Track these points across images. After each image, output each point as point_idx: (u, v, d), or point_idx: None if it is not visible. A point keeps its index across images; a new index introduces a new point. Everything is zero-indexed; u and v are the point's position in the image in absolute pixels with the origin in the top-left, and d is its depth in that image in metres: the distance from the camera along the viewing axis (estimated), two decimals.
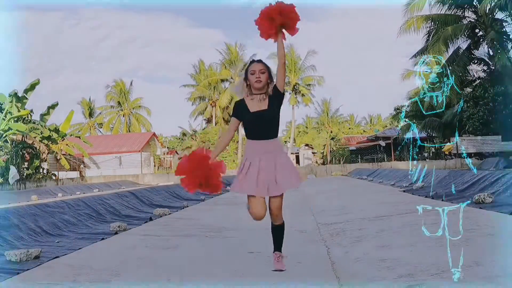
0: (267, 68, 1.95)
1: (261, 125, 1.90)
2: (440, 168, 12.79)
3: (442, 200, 4.61)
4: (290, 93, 25.45)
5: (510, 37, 12.48)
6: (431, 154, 21.55)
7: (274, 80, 1.95)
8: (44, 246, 2.79)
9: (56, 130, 16.94)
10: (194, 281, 1.89)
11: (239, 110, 1.96)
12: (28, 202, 6.81)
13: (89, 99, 29.74)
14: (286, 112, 26.60)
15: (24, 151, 14.64)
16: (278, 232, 1.99)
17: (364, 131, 33.80)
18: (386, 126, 30.90)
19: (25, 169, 14.89)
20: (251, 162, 1.90)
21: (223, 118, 25.48)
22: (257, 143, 1.91)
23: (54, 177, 16.53)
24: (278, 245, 2.00)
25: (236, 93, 2.01)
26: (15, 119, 14.96)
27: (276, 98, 1.94)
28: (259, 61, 1.97)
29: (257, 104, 1.92)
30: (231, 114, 2.04)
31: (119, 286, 1.84)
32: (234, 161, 22.11)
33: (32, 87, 15.93)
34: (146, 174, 19.74)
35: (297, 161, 28.60)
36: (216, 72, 26.62)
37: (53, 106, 17.59)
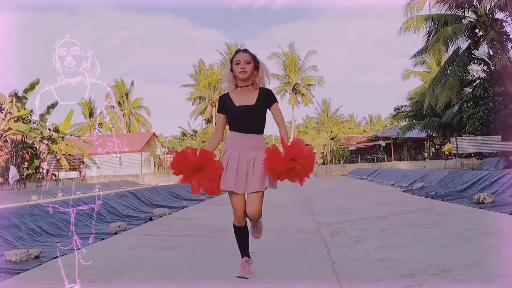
0: (253, 58, 1.81)
1: (246, 120, 1.79)
2: (440, 168, 12.79)
3: (442, 200, 4.61)
4: (290, 93, 25.45)
5: (510, 37, 12.47)
6: (431, 154, 21.54)
7: (265, 75, 1.82)
8: (44, 246, 2.79)
9: (56, 130, 16.94)
10: (194, 281, 1.89)
11: (224, 104, 1.84)
12: (28, 202, 6.80)
13: (89, 99, 29.75)
14: (286, 112, 26.58)
15: (24, 151, 14.63)
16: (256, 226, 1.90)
17: (364, 131, 33.79)
18: (386, 126, 30.90)
19: (25, 169, 14.89)
20: (230, 156, 1.79)
21: None
22: (240, 136, 1.80)
23: (54, 177, 16.53)
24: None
25: (224, 87, 1.88)
26: (15, 119, 14.97)
27: (268, 101, 1.82)
28: (245, 50, 1.84)
29: (243, 97, 1.80)
30: (216, 110, 1.91)
31: (119, 286, 1.83)
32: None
33: (32, 87, 15.94)
34: (146, 174, 19.76)
35: None
36: (216, 72, 26.62)
37: (53, 106, 17.57)
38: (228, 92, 1.86)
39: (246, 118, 1.80)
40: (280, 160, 1.67)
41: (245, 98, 1.81)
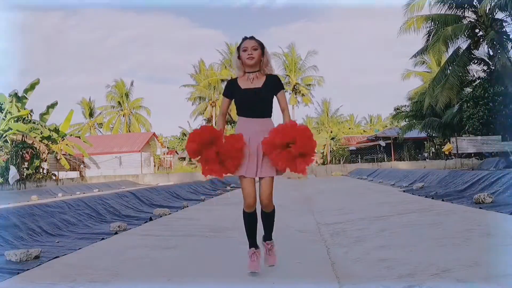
0: (260, 45, 1.83)
1: (252, 103, 1.79)
2: (440, 168, 12.79)
3: (442, 200, 4.61)
4: (290, 93, 25.45)
5: (510, 37, 12.46)
6: (431, 154, 21.54)
7: (269, 61, 1.84)
8: (44, 246, 2.79)
9: (56, 130, 16.93)
10: (194, 281, 1.89)
11: (230, 87, 1.86)
12: (28, 202, 6.80)
13: (89, 99, 29.77)
14: None
15: (24, 151, 14.63)
16: (269, 219, 1.88)
17: (364, 131, 33.80)
18: (386, 126, 30.90)
19: (25, 169, 14.88)
20: None
21: None
22: (248, 121, 1.80)
23: (54, 177, 16.52)
24: (269, 232, 1.88)
25: (235, 73, 1.91)
26: (15, 119, 14.96)
27: (275, 87, 1.83)
28: (251, 37, 1.85)
29: (249, 82, 1.82)
30: (222, 93, 1.96)
31: (119, 286, 1.83)
32: None
33: (32, 87, 15.93)
34: (146, 174, 19.74)
35: None
36: (216, 72, 26.62)
37: (52, 106, 17.57)
38: (236, 78, 1.88)
39: (252, 101, 1.80)
40: (274, 143, 1.68)
41: (253, 83, 1.83)
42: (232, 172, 1.77)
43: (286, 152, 1.69)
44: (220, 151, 1.73)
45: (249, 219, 1.89)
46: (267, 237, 1.93)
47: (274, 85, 1.85)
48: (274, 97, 1.88)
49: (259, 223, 1.94)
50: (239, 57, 1.84)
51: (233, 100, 1.87)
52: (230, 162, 1.75)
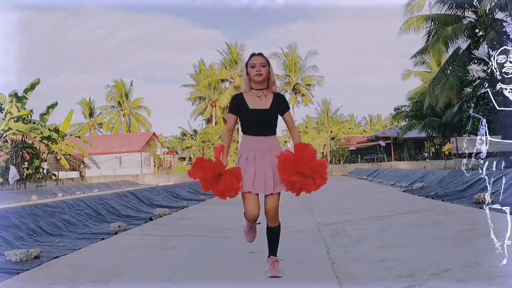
0: (268, 62, 1.88)
1: (259, 123, 1.83)
2: (440, 168, 12.79)
3: (442, 200, 4.61)
4: (290, 93, 25.44)
5: (510, 37, 12.46)
6: (431, 154, 21.53)
7: (275, 80, 1.90)
8: (44, 246, 2.79)
9: (56, 130, 16.93)
10: (194, 281, 1.89)
11: (237, 104, 1.87)
12: (28, 202, 6.80)
13: (89, 99, 29.74)
14: None
15: (24, 151, 14.62)
16: (274, 235, 1.91)
17: (364, 131, 33.77)
18: (386, 126, 30.87)
19: (25, 169, 14.88)
20: (247, 158, 1.82)
21: (223, 118, 25.44)
22: (254, 139, 1.84)
23: (54, 177, 16.51)
24: (274, 249, 1.91)
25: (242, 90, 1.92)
26: (15, 119, 14.96)
27: (281, 108, 1.88)
28: (260, 54, 1.89)
29: (257, 101, 1.84)
30: (228, 110, 1.94)
31: (119, 286, 1.83)
32: (233, 161, 22.09)
33: (32, 87, 15.93)
34: (146, 174, 19.74)
35: None
36: (217, 72, 26.61)
37: (52, 106, 17.57)
38: (242, 93, 1.89)
39: (260, 122, 1.83)
40: (290, 171, 1.74)
41: (259, 102, 1.84)
42: (234, 195, 1.81)
43: (307, 181, 1.76)
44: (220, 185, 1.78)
45: (251, 226, 1.98)
46: (272, 252, 1.94)
47: (281, 105, 1.89)
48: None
49: (263, 235, 1.95)
50: (247, 73, 1.87)
51: (239, 117, 1.89)
52: (229, 194, 1.80)
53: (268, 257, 1.93)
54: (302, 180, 1.75)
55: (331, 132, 26.58)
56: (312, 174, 1.75)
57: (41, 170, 16.09)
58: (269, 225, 1.91)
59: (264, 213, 1.86)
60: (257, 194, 1.84)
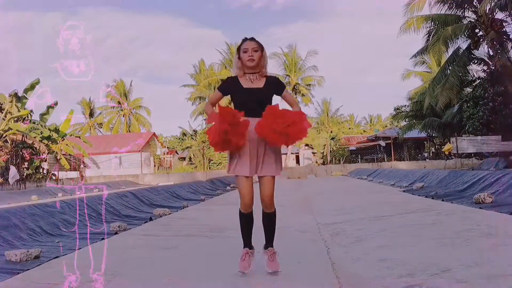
0: (260, 46, 1.84)
1: (253, 102, 1.79)
2: (440, 168, 12.79)
3: (442, 200, 4.60)
4: (290, 93, 25.40)
5: (510, 37, 12.46)
6: (431, 154, 21.53)
7: (267, 65, 1.85)
8: (44, 246, 2.79)
9: (56, 130, 16.91)
10: (194, 281, 1.88)
11: (230, 84, 1.85)
12: (28, 202, 6.80)
13: (89, 99, 29.73)
14: None
15: (24, 151, 14.61)
16: (270, 220, 1.87)
17: (364, 131, 33.77)
18: (386, 126, 30.88)
19: (25, 169, 14.87)
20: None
21: None
22: (248, 120, 1.79)
23: (54, 177, 16.48)
24: (270, 240, 1.87)
25: (234, 73, 1.89)
26: (15, 119, 14.94)
27: (277, 88, 1.86)
28: (252, 38, 1.85)
29: (250, 82, 1.83)
30: (217, 86, 1.94)
31: (119, 286, 1.83)
32: None
33: (32, 87, 15.92)
34: (146, 174, 19.73)
35: (297, 161, 28.56)
36: (216, 72, 26.59)
37: (52, 106, 17.55)
38: (236, 76, 1.87)
39: (253, 100, 1.80)
40: (277, 123, 1.71)
41: (254, 83, 1.84)
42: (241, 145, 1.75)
43: (284, 136, 1.74)
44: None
45: (246, 219, 1.87)
46: (269, 243, 1.91)
47: (275, 85, 1.88)
48: (274, 96, 1.89)
49: (260, 227, 1.94)
50: (239, 58, 1.85)
51: (232, 98, 1.85)
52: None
53: (266, 249, 1.90)
54: (276, 136, 1.73)
55: (331, 132, 26.56)
56: (287, 132, 1.73)
57: (41, 170, 16.08)
58: (265, 211, 1.87)
59: (260, 198, 1.84)
60: (251, 177, 1.82)
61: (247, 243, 1.89)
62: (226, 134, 1.71)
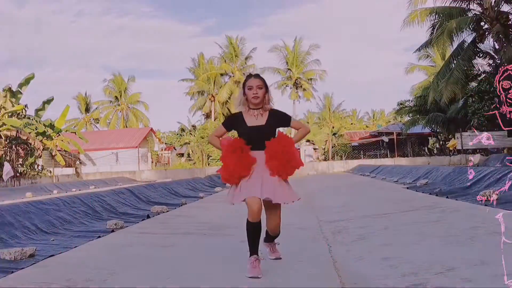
0: (264, 83, 1.97)
1: (257, 138, 1.94)
2: (445, 165, 12.68)
3: (447, 197, 4.53)
4: (291, 88, 25.27)
5: None
6: (435, 150, 21.37)
7: (271, 98, 1.97)
8: (39, 244, 2.75)
9: (51, 126, 16.79)
10: (192, 280, 1.85)
11: (234, 122, 2.00)
12: (22, 199, 6.78)
13: (85, 94, 29.45)
14: (287, 107, 26.39)
15: (19, 147, 14.50)
16: (275, 238, 2.09)
17: (366, 126, 33.59)
18: (389, 122, 30.68)
19: (19, 165, 14.78)
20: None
21: (223, 113, 25.33)
22: (252, 153, 1.93)
23: (49, 174, 16.39)
24: (272, 239, 2.08)
25: (236, 107, 2.03)
26: (9, 114, 14.82)
27: (279, 122, 1.98)
28: (257, 75, 2.00)
29: (254, 119, 1.96)
30: (222, 122, 2.07)
31: (115, 285, 1.79)
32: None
33: (27, 81, 15.82)
34: (143, 171, 19.63)
35: None
36: (216, 66, 26.38)
37: (48, 101, 17.45)
38: (241, 112, 2.00)
39: (256, 137, 1.93)
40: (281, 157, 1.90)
41: (257, 120, 1.97)
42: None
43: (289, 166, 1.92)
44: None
45: (253, 229, 1.88)
46: (271, 239, 2.10)
47: (281, 120, 2.00)
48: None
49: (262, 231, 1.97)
50: (244, 94, 1.97)
51: (237, 132, 2.00)
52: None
53: (265, 242, 2.09)
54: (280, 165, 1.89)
55: (333, 127, 26.41)
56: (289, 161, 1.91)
57: (36, 167, 15.99)
58: (270, 234, 2.06)
59: (268, 228, 1.99)
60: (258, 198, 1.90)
61: (254, 251, 1.89)
62: (235, 171, 1.89)
